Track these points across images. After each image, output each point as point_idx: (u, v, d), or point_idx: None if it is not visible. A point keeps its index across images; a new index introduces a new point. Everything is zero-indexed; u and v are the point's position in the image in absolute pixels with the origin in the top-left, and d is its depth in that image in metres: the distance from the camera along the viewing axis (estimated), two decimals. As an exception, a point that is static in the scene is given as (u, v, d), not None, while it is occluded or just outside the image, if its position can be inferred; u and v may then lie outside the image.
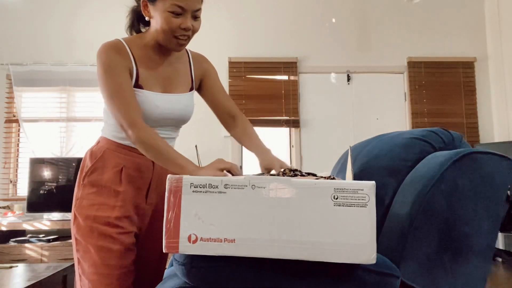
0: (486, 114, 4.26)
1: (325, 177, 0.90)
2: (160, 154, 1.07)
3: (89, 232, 1.13)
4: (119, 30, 1.45)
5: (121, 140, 1.20)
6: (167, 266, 1.34)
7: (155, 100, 1.18)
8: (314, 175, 0.97)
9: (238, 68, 4.13)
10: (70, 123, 3.99)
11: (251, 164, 4.06)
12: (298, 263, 0.81)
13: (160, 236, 1.27)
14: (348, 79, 4.24)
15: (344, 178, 1.36)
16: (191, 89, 1.30)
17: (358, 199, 0.78)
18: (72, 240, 1.18)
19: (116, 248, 1.12)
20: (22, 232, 3.63)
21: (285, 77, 4.20)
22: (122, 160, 1.19)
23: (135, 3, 1.27)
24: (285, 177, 0.83)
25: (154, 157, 1.09)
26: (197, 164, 1.06)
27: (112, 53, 1.14)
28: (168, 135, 1.26)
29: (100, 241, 1.12)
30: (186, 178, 0.83)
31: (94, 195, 1.15)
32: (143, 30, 1.30)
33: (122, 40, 1.19)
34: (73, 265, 2.10)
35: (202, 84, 1.35)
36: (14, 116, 4.02)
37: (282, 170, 1.05)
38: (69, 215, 3.57)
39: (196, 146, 1.18)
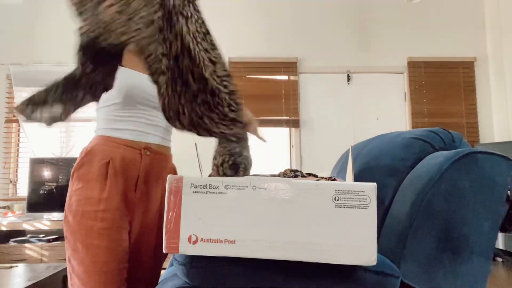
0: (486, 114, 4.26)
1: (326, 178, 0.91)
2: None
3: (77, 229, 1.13)
4: (119, 30, 1.46)
5: (110, 132, 1.21)
6: (167, 266, 1.34)
7: (132, 76, 1.21)
8: (315, 175, 0.97)
9: (238, 68, 4.13)
10: (70, 123, 3.99)
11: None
12: (297, 263, 0.81)
13: (152, 232, 1.28)
14: (348, 79, 4.24)
15: (344, 178, 1.36)
16: None
17: (359, 201, 0.78)
18: (65, 239, 1.19)
19: (104, 245, 1.12)
20: (22, 232, 3.64)
21: (285, 77, 4.20)
22: (109, 153, 1.19)
23: None
24: (286, 178, 0.83)
25: None
26: (198, 164, 1.07)
27: None
28: (153, 121, 1.27)
29: (88, 238, 1.12)
30: (187, 179, 0.83)
31: (81, 190, 1.15)
32: None
33: None
34: (73, 265, 2.11)
35: None
36: (14, 116, 4.02)
37: (282, 171, 1.06)
38: (69, 215, 3.59)
39: (196, 144, 1.18)
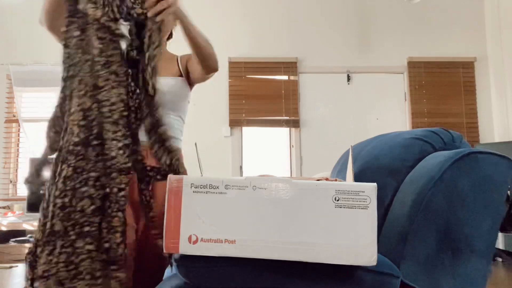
0: (486, 114, 4.26)
1: (324, 179, 0.90)
2: None
3: None
4: (119, 30, 1.48)
5: None
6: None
7: None
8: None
9: (238, 68, 4.13)
10: (70, 123, 3.99)
11: (251, 164, 4.06)
12: (297, 263, 0.81)
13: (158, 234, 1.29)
14: (348, 79, 4.24)
15: (344, 178, 1.36)
16: (179, 76, 1.43)
17: (360, 201, 0.78)
18: None
19: None
20: (22, 232, 3.63)
21: (285, 77, 4.20)
22: None
23: None
24: (286, 178, 0.83)
25: None
26: (198, 164, 1.08)
27: None
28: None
29: None
30: (187, 179, 0.83)
31: None
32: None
33: None
34: (73, 265, 2.12)
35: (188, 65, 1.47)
36: (14, 116, 4.02)
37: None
38: (69, 215, 3.59)
39: (195, 144, 1.18)
